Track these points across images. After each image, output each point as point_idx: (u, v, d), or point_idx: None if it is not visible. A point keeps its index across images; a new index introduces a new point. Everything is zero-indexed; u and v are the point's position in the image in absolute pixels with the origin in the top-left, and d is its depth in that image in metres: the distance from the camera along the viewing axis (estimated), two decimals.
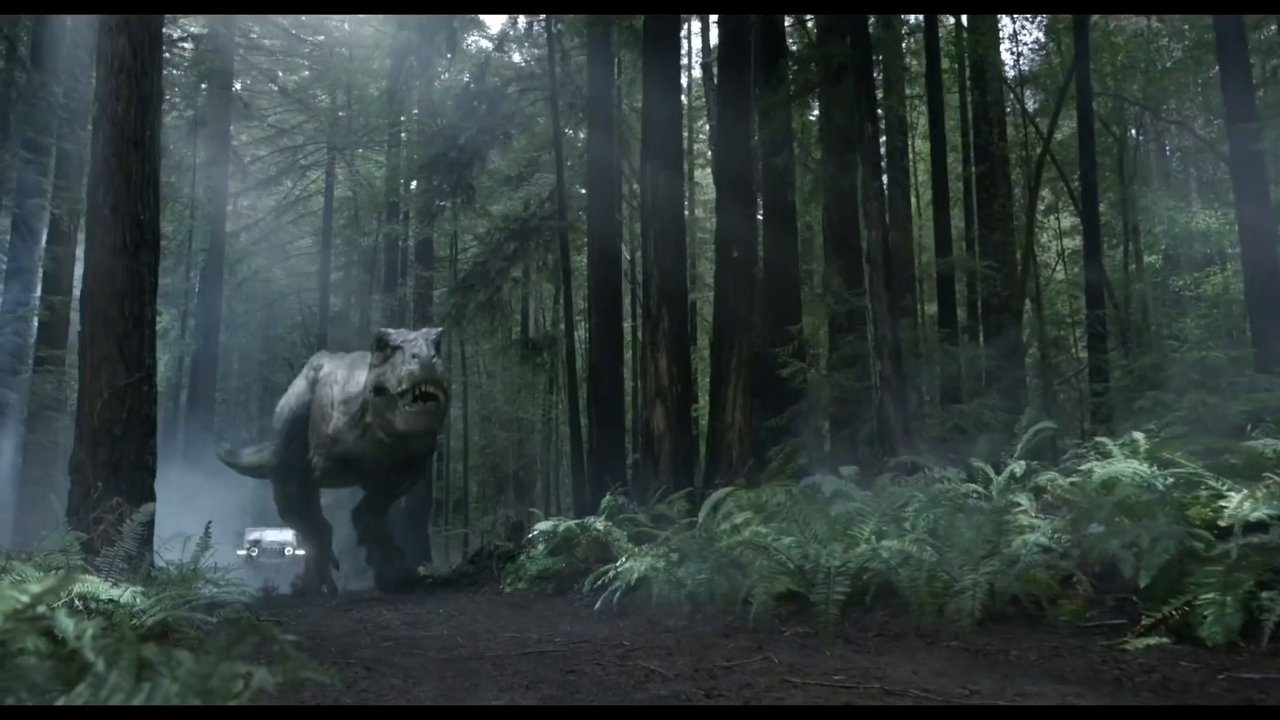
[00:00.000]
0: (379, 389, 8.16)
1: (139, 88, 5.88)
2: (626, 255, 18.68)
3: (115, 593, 3.33)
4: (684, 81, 19.19)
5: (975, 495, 4.88)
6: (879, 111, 10.80)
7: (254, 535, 18.81)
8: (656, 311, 11.00)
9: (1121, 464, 3.91)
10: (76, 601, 3.18)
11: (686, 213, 15.41)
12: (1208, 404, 6.14)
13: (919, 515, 4.98)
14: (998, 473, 5.19)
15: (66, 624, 2.67)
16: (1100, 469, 4.00)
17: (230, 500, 19.33)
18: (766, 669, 3.11)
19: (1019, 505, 4.49)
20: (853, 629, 4.01)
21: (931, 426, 10.05)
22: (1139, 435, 5.03)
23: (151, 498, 5.49)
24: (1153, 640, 3.14)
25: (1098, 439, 5.23)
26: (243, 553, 17.26)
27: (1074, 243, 20.64)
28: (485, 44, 19.56)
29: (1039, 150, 14.67)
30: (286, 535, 19.33)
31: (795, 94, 12.77)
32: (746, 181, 12.18)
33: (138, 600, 3.37)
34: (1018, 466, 4.92)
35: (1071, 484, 4.77)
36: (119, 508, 4.80)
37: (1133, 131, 17.64)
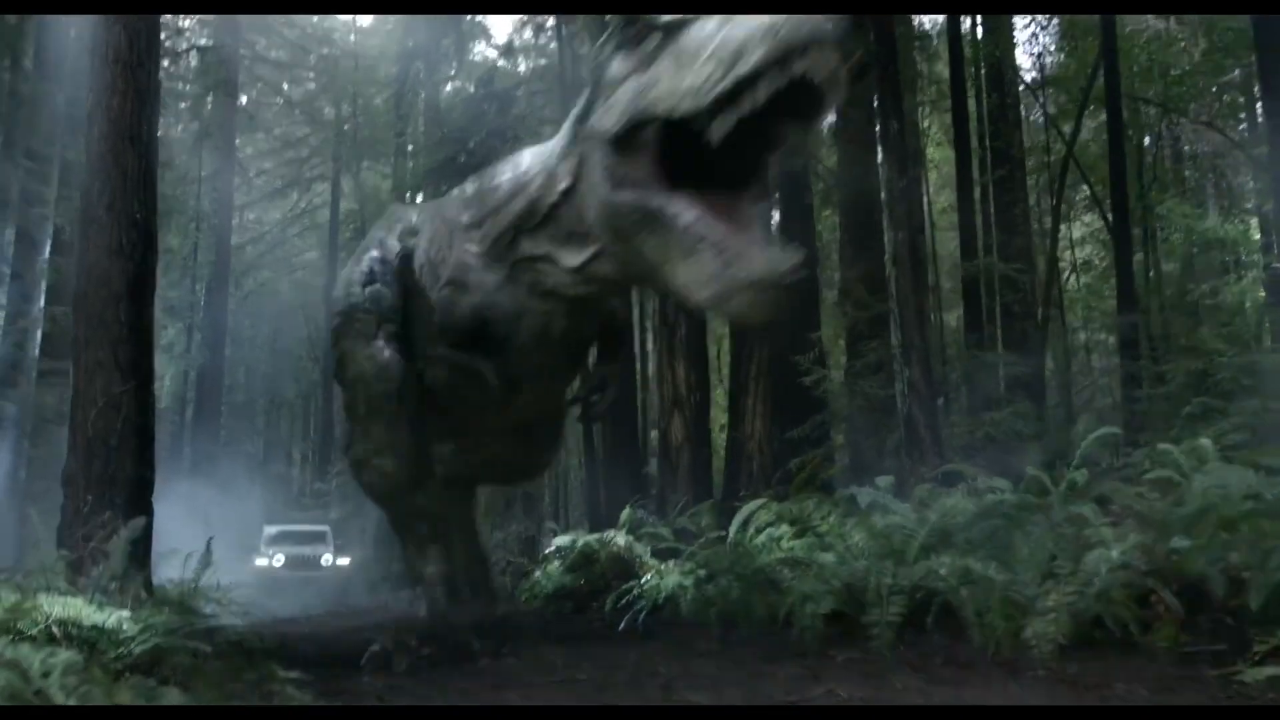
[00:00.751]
0: (633, 129, 3.11)
1: (135, 80, 5.57)
2: None
3: (100, 617, 2.99)
4: None
5: (1033, 507, 4.51)
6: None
7: (274, 533, 15.59)
8: (673, 318, 10.68)
9: (1224, 471, 3.56)
10: (55, 629, 2.84)
11: None
12: (1270, 409, 5.77)
13: (970, 528, 4.62)
14: (1054, 483, 4.82)
15: (32, 659, 2.34)
16: (1200, 478, 3.63)
17: (240, 514, 18.43)
18: (836, 705, 2.75)
19: (1085, 518, 4.12)
20: (912, 654, 3.64)
21: (959, 435, 9.68)
22: (1205, 442, 4.68)
23: (149, 512, 5.14)
24: (1272, 670, 2.77)
25: (1161, 446, 4.87)
26: (263, 562, 14.37)
27: (1084, 252, 20.28)
28: (492, 54, 19.34)
29: (1063, 154, 14.33)
30: (320, 531, 16.18)
31: None
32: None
33: (125, 626, 3.03)
34: (1079, 475, 4.56)
35: (1138, 494, 4.41)
36: (111, 523, 4.46)
37: (1146, 140, 17.28)
